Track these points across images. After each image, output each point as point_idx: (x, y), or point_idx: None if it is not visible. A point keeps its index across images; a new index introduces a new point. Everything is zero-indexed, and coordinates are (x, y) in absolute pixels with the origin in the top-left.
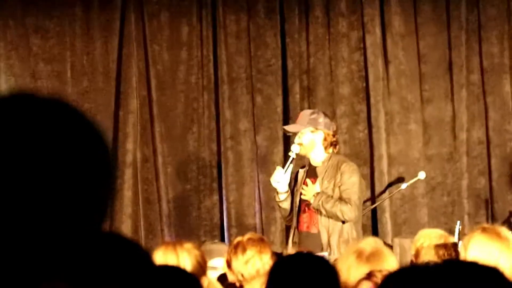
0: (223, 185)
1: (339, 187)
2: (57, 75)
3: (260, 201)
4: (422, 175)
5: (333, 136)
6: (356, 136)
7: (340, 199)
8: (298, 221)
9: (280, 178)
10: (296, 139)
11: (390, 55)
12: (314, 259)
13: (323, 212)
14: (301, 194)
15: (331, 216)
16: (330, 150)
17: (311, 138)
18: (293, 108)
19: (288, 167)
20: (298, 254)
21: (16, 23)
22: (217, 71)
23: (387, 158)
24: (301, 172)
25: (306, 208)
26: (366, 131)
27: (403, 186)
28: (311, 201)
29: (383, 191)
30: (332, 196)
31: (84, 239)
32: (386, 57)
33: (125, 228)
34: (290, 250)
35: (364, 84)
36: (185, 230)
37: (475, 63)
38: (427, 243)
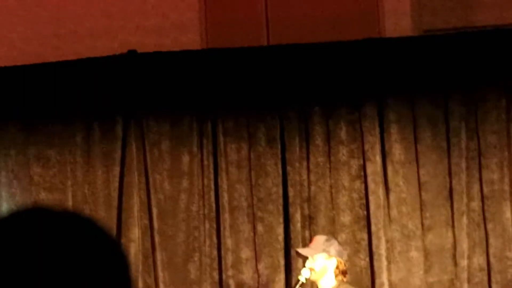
0: None
1: None
2: (58, 204)
3: None
4: None
5: (344, 264)
6: (357, 264)
7: None
8: None
9: None
10: (308, 264)
11: (391, 183)
12: None
13: None
14: None
15: None
16: (340, 278)
17: (323, 264)
18: (295, 236)
19: None
20: None
21: (18, 152)
22: (218, 199)
23: (388, 286)
24: None
25: None
26: (367, 259)
27: None
28: None
29: None
30: None
31: None
32: (386, 185)
33: None
34: None
35: (365, 212)
36: None
37: (476, 190)
38: None
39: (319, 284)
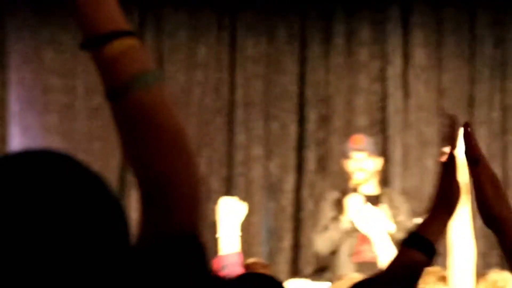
0: None
1: None
2: (69, 90)
3: (268, 230)
4: None
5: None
6: None
7: None
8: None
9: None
10: (361, 161)
11: (411, 88)
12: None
13: None
14: None
15: None
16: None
17: (375, 165)
18: (308, 136)
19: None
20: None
21: (30, 35)
22: (233, 94)
23: (401, 192)
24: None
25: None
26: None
27: (416, 222)
28: None
29: None
30: None
31: None
32: (406, 89)
33: None
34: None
35: (382, 116)
36: None
37: (497, 100)
38: None
39: (360, 189)
